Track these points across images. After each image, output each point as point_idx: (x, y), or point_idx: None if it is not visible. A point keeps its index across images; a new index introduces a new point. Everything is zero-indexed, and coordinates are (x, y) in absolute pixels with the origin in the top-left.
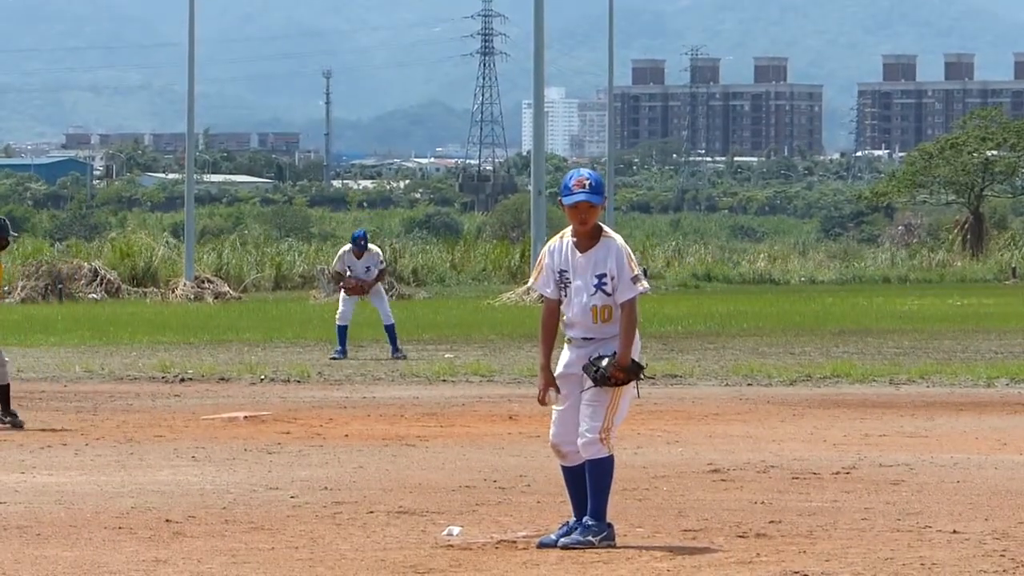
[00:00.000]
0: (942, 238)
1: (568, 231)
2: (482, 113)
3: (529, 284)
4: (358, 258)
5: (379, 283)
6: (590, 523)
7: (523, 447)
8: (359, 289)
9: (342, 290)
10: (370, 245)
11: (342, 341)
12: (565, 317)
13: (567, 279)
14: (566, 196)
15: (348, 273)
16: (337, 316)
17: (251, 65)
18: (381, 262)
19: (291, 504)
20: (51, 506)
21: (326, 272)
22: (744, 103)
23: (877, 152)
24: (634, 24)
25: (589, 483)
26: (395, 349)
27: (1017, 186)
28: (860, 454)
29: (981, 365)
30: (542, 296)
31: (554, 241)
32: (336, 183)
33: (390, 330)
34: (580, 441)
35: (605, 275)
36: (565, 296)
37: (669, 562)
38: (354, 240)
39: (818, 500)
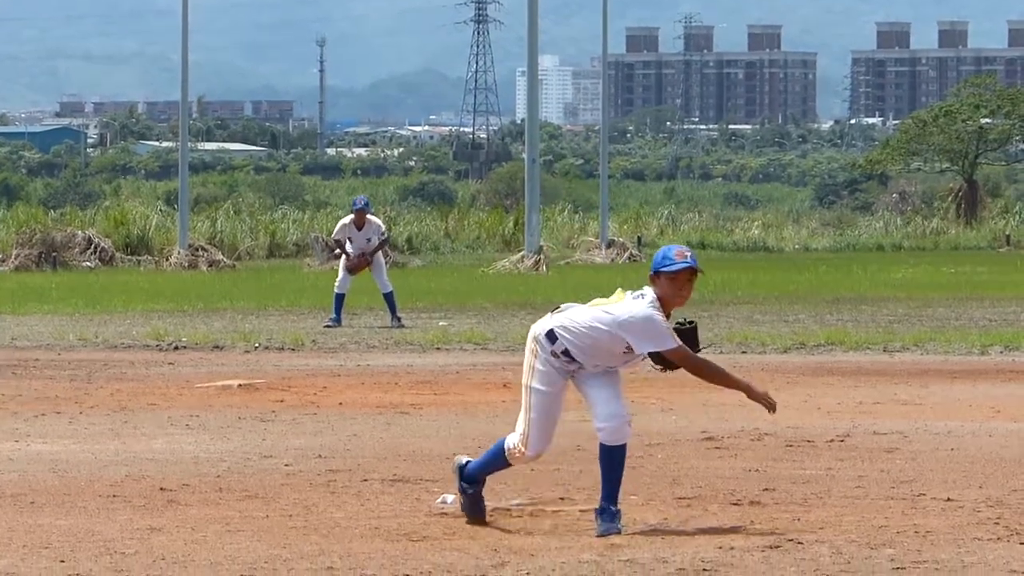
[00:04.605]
0: (936, 206)
1: (653, 297)
2: (476, 81)
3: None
4: (359, 228)
5: (378, 252)
6: (613, 508)
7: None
8: (361, 265)
9: (342, 259)
10: (371, 216)
11: (337, 309)
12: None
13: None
14: (668, 265)
15: (349, 244)
16: (336, 283)
17: (245, 33)
18: (383, 232)
19: (285, 472)
20: (45, 474)
21: (320, 240)
22: (738, 71)
23: (871, 120)
24: None
25: (612, 466)
26: (394, 317)
27: (1011, 154)
28: (854, 422)
29: (975, 333)
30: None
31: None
32: (330, 151)
33: (388, 298)
34: (608, 425)
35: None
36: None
37: (663, 529)
38: (355, 206)
39: (812, 468)
